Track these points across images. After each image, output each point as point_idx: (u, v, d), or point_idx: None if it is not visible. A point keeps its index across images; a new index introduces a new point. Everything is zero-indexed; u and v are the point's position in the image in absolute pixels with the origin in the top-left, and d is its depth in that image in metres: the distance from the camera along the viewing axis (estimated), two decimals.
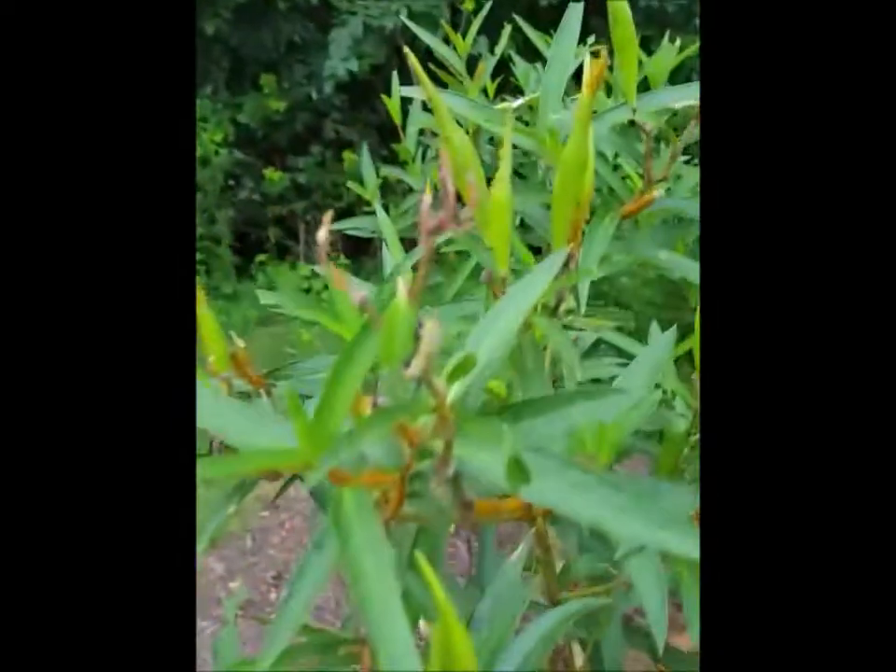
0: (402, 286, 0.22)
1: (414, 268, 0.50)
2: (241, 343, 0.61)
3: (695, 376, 0.50)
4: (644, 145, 0.44)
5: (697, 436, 0.55)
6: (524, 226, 0.64)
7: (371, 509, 0.27)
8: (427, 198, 0.19)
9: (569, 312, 0.40)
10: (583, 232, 0.40)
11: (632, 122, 0.51)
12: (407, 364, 0.23)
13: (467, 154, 0.32)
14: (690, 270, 0.50)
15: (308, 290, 3.02)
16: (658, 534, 0.25)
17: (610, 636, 0.58)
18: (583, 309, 0.39)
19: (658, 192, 0.44)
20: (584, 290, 0.40)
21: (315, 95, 2.92)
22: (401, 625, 0.27)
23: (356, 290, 0.22)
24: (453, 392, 0.27)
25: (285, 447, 0.27)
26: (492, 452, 0.24)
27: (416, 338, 0.23)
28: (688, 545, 0.25)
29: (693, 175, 0.80)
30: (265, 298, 0.57)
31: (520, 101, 0.78)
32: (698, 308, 0.47)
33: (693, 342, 0.48)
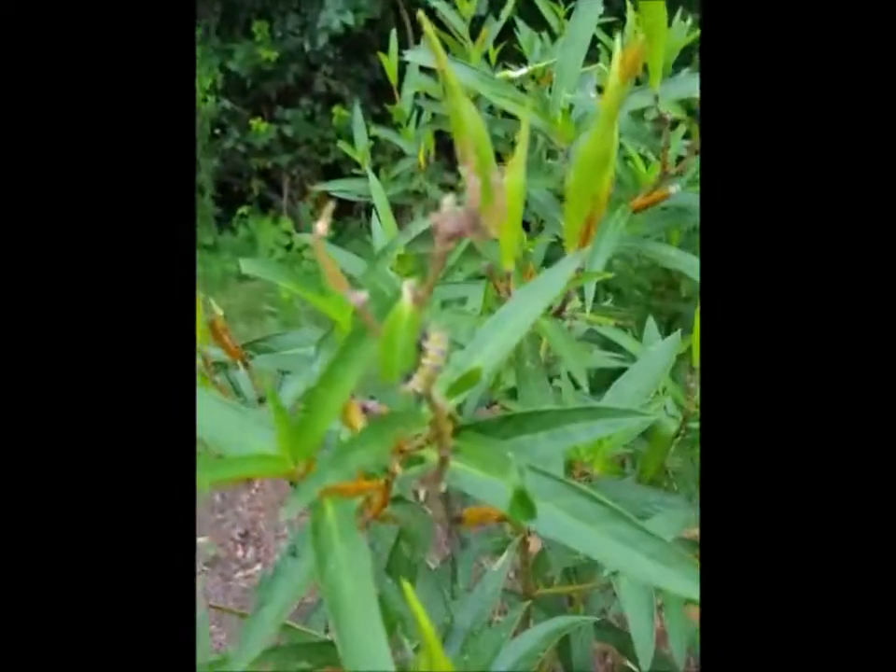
0: (408, 291, 0.19)
1: (407, 247, 0.47)
2: (219, 311, 0.58)
3: (690, 377, 0.49)
4: (663, 135, 0.41)
5: (686, 436, 0.54)
6: None
7: (353, 522, 0.25)
8: (450, 199, 0.17)
9: (576, 311, 0.37)
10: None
11: None
12: (408, 377, 0.21)
13: (480, 138, 0.29)
14: (691, 267, 0.49)
15: (289, 247, 2.96)
16: (659, 573, 0.24)
17: (580, 632, 0.58)
18: (589, 309, 0.37)
19: (675, 188, 0.42)
20: (591, 290, 0.38)
21: (307, 47, 2.82)
22: (380, 644, 0.25)
23: (353, 294, 0.20)
24: (451, 403, 0.24)
25: (268, 453, 0.25)
26: (492, 474, 0.22)
27: (419, 347, 0.21)
28: (688, 585, 0.24)
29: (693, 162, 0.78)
30: (247, 267, 0.54)
31: (523, 70, 0.75)
32: (698, 310, 0.45)
33: (693, 343, 0.46)
